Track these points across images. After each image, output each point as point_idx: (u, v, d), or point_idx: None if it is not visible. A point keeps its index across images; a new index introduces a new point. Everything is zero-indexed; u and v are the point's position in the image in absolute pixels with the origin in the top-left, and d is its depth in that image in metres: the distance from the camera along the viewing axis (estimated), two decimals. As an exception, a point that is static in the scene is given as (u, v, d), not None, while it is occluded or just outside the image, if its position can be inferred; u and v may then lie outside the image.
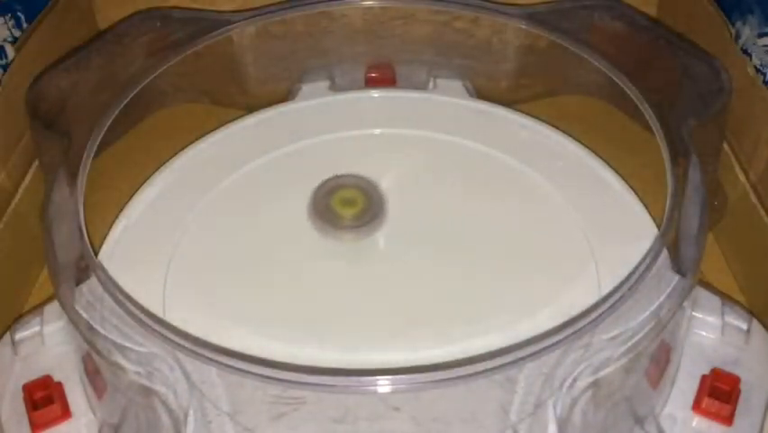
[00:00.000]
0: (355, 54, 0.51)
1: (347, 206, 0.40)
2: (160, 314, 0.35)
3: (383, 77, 0.51)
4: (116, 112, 0.41)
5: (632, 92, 0.41)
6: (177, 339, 0.31)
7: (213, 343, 0.31)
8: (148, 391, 0.31)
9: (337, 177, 0.42)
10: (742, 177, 0.42)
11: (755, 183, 0.41)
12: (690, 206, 0.35)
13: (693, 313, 0.36)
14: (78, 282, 0.33)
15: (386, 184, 0.42)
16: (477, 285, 0.37)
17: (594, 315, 0.32)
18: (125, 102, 0.42)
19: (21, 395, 0.34)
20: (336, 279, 0.38)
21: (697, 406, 0.33)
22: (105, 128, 0.40)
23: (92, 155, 0.39)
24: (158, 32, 0.46)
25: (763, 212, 0.40)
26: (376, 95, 0.49)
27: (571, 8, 0.47)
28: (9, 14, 0.44)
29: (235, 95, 0.52)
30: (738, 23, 0.43)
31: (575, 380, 0.30)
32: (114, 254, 0.39)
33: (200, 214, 0.41)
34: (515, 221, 0.40)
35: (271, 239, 0.40)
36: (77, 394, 0.35)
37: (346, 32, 0.50)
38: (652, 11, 0.54)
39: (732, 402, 0.33)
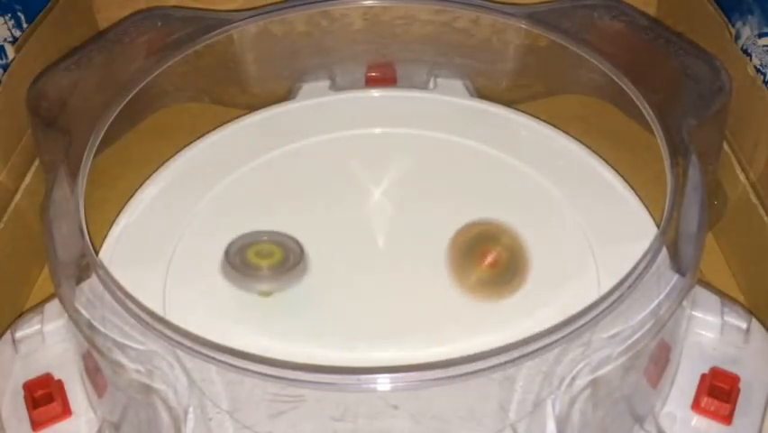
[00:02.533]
0: (355, 54, 0.51)
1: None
2: (160, 312, 0.35)
3: (384, 76, 0.51)
4: (117, 111, 0.41)
5: (632, 92, 0.41)
6: (177, 337, 0.31)
7: (212, 341, 0.31)
8: (148, 389, 0.31)
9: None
10: (742, 177, 0.42)
11: (755, 183, 0.41)
12: (690, 205, 0.35)
13: (693, 312, 0.36)
14: (79, 281, 0.33)
15: (386, 182, 0.42)
16: (476, 284, 0.37)
17: (593, 313, 0.31)
18: (126, 101, 0.42)
19: (21, 393, 0.34)
20: (336, 277, 0.38)
21: (696, 405, 0.33)
22: (106, 127, 0.40)
23: (92, 154, 0.39)
24: (158, 32, 0.46)
25: (763, 212, 0.40)
26: (376, 94, 0.49)
27: (570, 8, 0.47)
28: (9, 14, 0.44)
29: (236, 94, 0.52)
30: (738, 23, 0.43)
31: (574, 378, 0.30)
32: (114, 253, 0.39)
33: (200, 213, 0.41)
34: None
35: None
36: (77, 392, 0.35)
37: (346, 32, 0.50)
38: (652, 11, 0.54)
39: (731, 401, 0.33)
